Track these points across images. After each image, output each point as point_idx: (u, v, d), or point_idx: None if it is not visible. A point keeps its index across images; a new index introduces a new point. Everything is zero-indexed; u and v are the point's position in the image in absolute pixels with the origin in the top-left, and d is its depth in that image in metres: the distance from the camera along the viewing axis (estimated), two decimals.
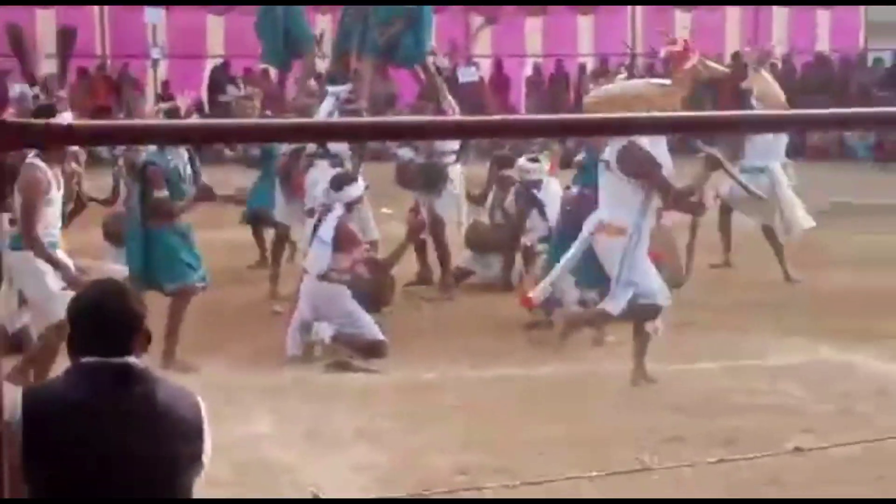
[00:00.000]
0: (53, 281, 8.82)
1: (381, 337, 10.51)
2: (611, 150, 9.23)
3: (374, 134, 2.85)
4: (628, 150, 9.10)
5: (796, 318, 11.22)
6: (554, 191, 12.05)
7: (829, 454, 7.10)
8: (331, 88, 12.47)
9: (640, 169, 9.16)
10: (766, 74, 13.38)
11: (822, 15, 28.56)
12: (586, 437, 8.18)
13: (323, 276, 10.48)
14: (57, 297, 8.50)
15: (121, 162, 12.42)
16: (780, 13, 28.41)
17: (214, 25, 27.20)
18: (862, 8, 29.49)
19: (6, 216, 8.79)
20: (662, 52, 10.07)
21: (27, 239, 8.75)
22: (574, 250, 9.49)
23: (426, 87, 13.12)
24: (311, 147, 11.76)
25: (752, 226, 13.45)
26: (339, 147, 11.76)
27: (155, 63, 26.09)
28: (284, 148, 12.24)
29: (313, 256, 10.59)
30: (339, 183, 10.86)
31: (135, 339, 4.08)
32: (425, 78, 12.96)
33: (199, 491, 4.20)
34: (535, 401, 9.05)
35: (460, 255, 12.80)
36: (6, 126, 2.54)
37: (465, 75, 24.31)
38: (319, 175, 11.55)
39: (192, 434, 4.06)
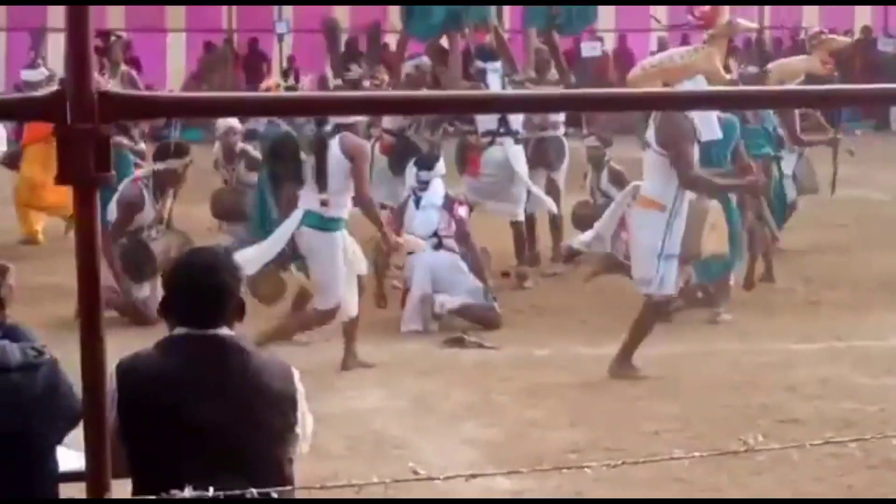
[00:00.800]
0: (342, 264, 9.21)
1: (496, 308, 10.57)
2: (653, 122, 9.13)
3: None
4: (665, 121, 8.97)
5: None
6: None
7: None
8: (484, 64, 12.40)
9: (668, 139, 9.03)
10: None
11: None
12: (698, 416, 8.13)
13: (438, 245, 10.59)
14: (341, 280, 9.15)
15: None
16: None
17: None
18: None
19: (321, 196, 9.22)
20: (692, 17, 9.93)
21: (364, 202, 9.34)
22: (609, 215, 9.43)
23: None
24: (488, 125, 11.84)
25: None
26: (518, 123, 11.83)
27: (280, 38, 26.26)
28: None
29: (424, 221, 10.68)
30: (429, 161, 11.02)
31: (227, 311, 4.11)
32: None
33: (300, 463, 4.24)
34: (648, 379, 9.00)
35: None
36: (107, 97, 2.59)
37: (588, 50, 24.12)
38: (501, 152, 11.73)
39: (284, 405, 4.09)
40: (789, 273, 12.04)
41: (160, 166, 10.80)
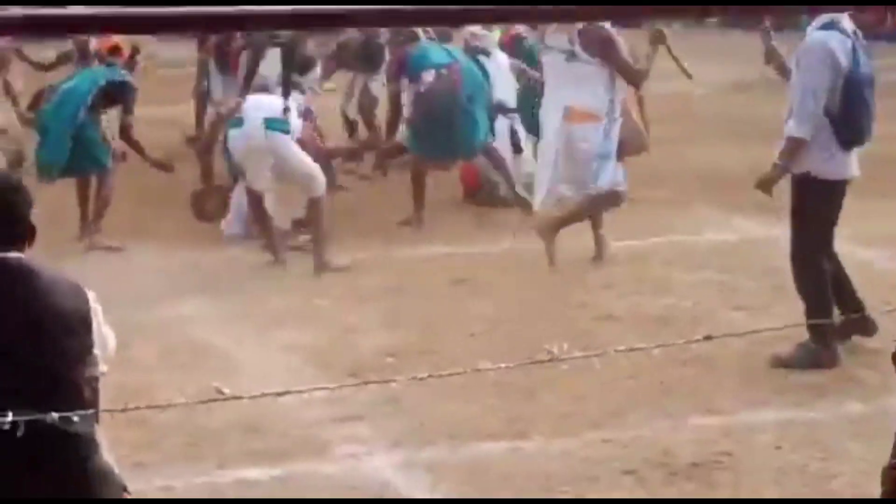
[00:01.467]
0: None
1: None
2: (563, 36, 9.05)
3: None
4: (589, 33, 8.96)
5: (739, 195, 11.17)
6: (502, 62, 11.69)
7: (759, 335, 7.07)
8: None
9: (602, 50, 9.04)
10: None
11: None
12: (513, 317, 8.16)
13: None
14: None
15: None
16: None
17: None
18: None
19: (284, 103, 9.50)
20: None
21: None
22: (548, 142, 9.35)
23: None
24: None
25: None
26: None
27: None
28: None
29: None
30: (302, 68, 10.63)
31: (16, 234, 3.97)
32: None
33: (111, 376, 4.12)
34: (466, 281, 9.01)
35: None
36: None
37: None
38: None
39: (77, 325, 3.96)
40: None
41: None
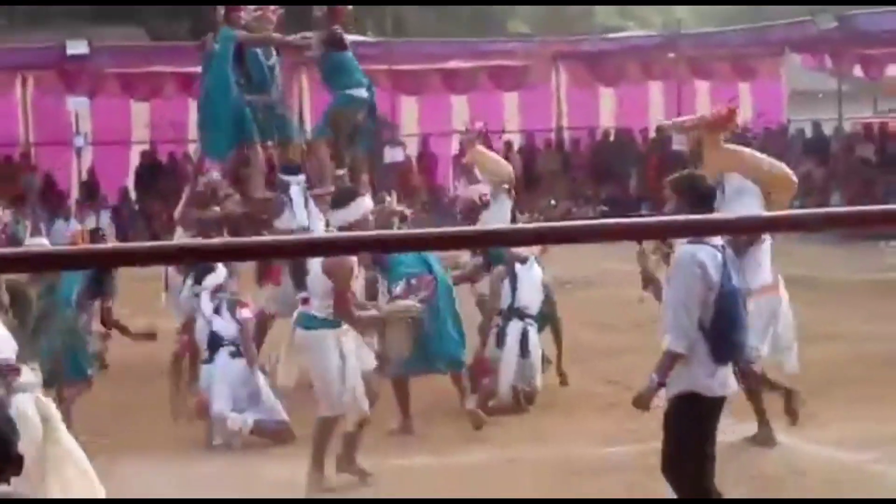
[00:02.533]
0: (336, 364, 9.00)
1: (288, 424, 10.47)
2: None
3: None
4: None
5: None
6: (536, 272, 11.81)
7: None
8: (288, 178, 12.25)
9: None
10: (482, 149, 14.53)
11: (744, 87, 28.87)
12: None
13: (235, 353, 10.53)
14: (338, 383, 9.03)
15: None
16: (702, 87, 28.68)
17: (139, 111, 27.03)
18: (784, 79, 29.87)
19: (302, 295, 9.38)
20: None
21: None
22: None
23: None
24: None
25: None
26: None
27: (79, 151, 25.87)
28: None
29: (222, 329, 10.60)
30: (201, 274, 10.92)
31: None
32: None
33: None
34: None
35: None
36: None
37: (391, 156, 24.26)
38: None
39: None
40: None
41: None
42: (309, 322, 9.11)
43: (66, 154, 26.17)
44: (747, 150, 10.32)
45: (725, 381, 7.29)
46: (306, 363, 9.29)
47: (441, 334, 10.57)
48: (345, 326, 9.05)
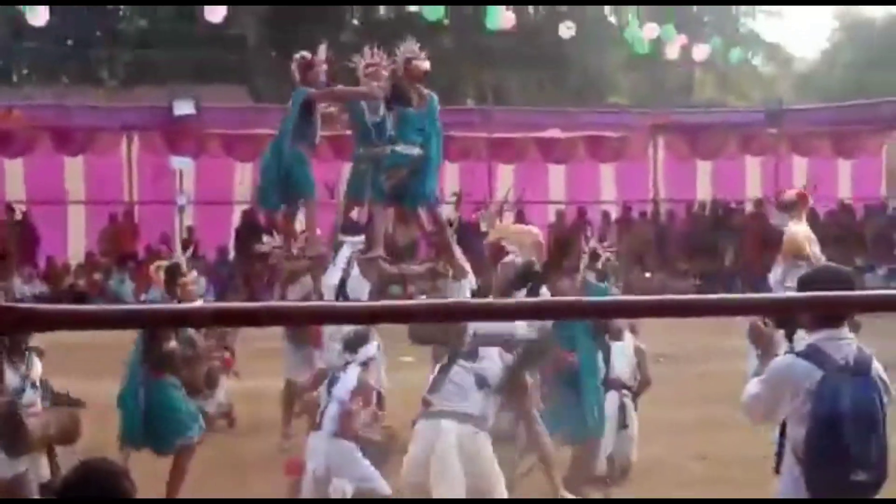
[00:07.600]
0: None
1: (390, 494, 10.38)
2: None
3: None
4: None
5: None
6: (628, 343, 11.80)
7: None
8: (345, 238, 12.27)
9: None
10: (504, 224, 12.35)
11: (843, 164, 28.73)
12: None
13: (336, 434, 10.20)
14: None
15: None
16: (800, 162, 28.57)
17: (243, 172, 27.39)
18: (883, 155, 29.68)
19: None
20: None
21: None
22: None
23: (436, 235, 12.73)
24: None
25: None
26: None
27: (181, 209, 26.26)
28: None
29: (329, 414, 10.25)
30: (353, 344, 10.32)
31: None
32: (433, 224, 12.49)
33: None
34: None
35: None
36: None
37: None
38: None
39: None
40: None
41: None
42: None
43: (168, 213, 26.55)
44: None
45: None
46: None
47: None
48: None
